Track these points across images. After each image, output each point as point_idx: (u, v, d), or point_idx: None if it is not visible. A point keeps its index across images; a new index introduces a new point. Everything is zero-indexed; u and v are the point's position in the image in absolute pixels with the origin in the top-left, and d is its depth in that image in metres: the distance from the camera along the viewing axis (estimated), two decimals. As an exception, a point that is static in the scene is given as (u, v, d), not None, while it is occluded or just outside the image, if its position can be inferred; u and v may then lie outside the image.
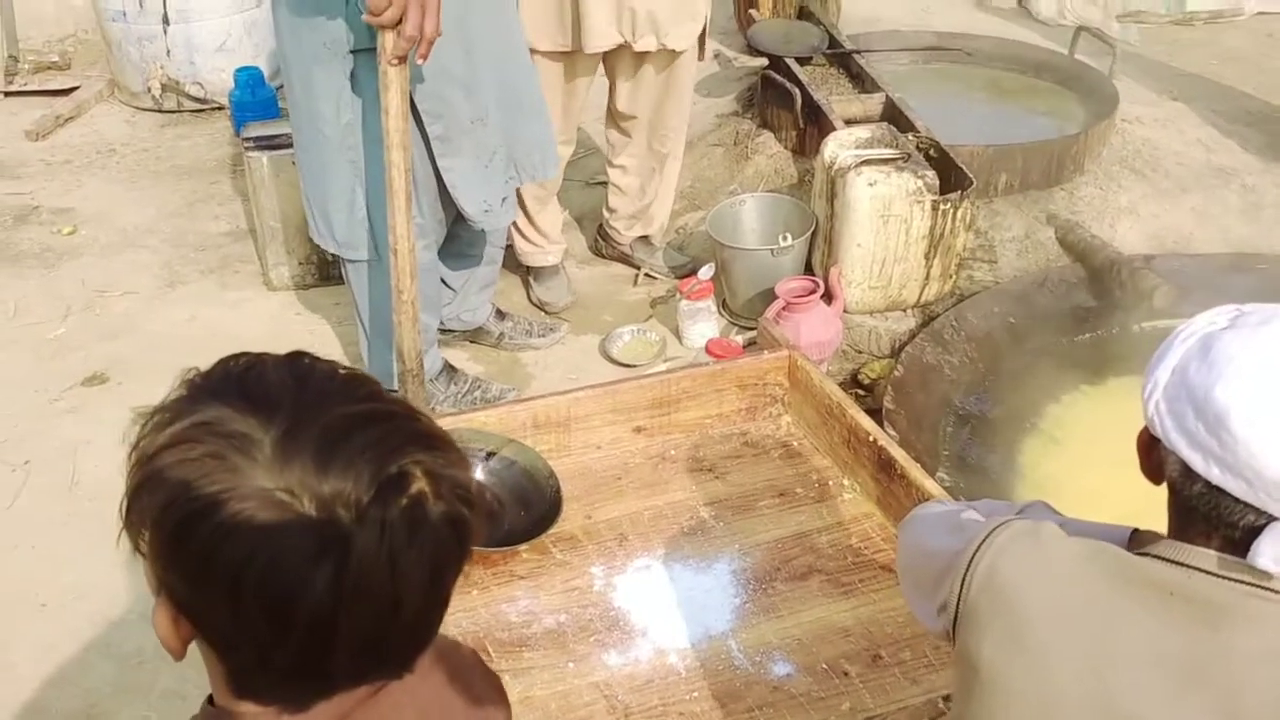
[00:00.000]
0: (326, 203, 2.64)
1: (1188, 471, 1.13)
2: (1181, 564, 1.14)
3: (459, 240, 2.93)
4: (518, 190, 3.15)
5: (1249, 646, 1.11)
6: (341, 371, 0.87)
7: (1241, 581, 1.12)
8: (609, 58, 3.13)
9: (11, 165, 4.32)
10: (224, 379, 0.85)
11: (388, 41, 2.21)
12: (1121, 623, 1.16)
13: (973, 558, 1.24)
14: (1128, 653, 1.15)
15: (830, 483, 2.64)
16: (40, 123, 4.58)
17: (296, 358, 0.88)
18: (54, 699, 2.26)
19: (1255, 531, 1.10)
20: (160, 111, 4.75)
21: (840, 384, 3.05)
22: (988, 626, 1.21)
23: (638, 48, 3.03)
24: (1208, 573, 1.13)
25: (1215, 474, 1.10)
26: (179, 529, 0.78)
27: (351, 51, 2.42)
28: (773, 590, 2.35)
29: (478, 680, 1.04)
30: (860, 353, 3.17)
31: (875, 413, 2.81)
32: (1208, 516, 1.13)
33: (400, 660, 0.88)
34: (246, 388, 0.84)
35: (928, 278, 3.14)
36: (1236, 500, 1.10)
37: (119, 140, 4.56)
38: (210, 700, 0.89)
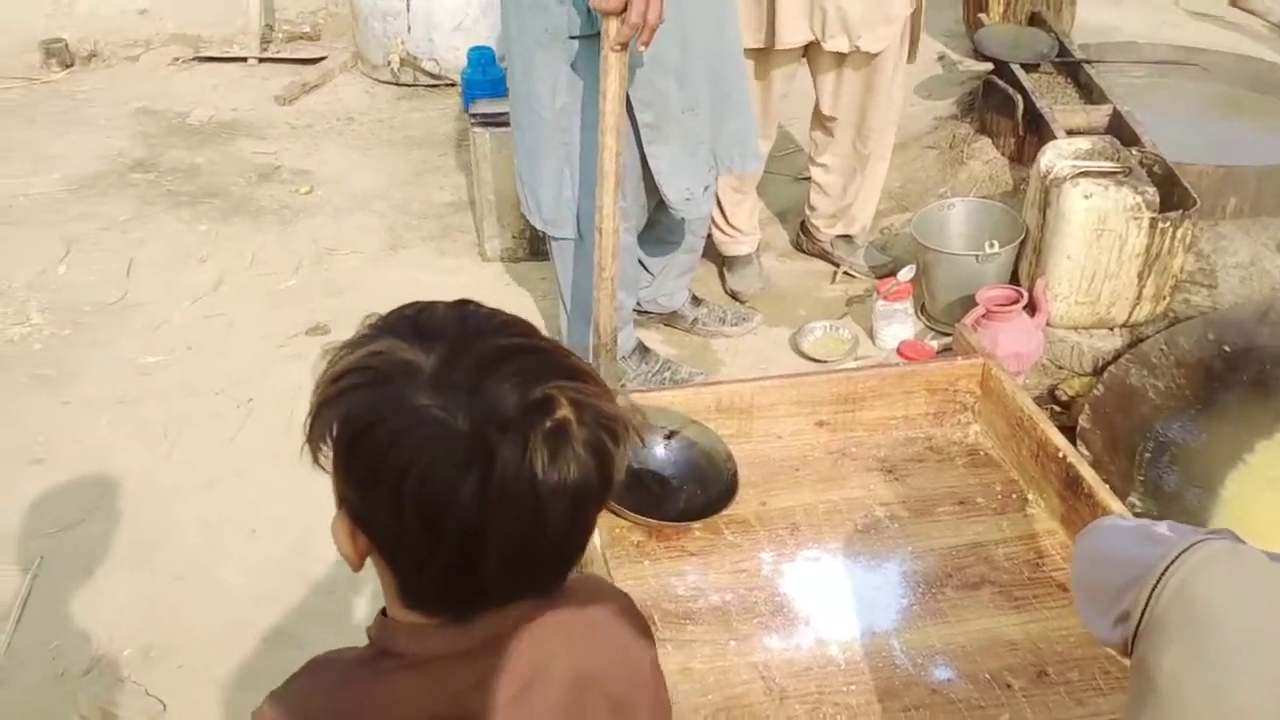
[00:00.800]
0: (537, 182, 2.75)
1: None
2: None
3: (660, 226, 3.00)
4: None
5: None
6: (502, 315, 0.96)
7: None
8: (810, 58, 3.14)
9: (260, 126, 4.66)
10: (398, 319, 0.95)
11: (611, 28, 2.29)
12: None
13: (1167, 569, 1.23)
14: None
15: (1014, 496, 2.59)
16: (288, 89, 4.92)
17: (463, 303, 0.97)
18: (257, 616, 2.46)
19: None
20: (397, 84, 5.03)
21: (1036, 398, 2.98)
22: (1173, 639, 1.20)
23: (828, 47, 3.03)
24: None
25: None
26: (352, 441, 0.89)
27: (571, 37, 2.52)
28: (942, 596, 2.33)
29: (627, 622, 1.10)
30: (1061, 369, 3.09)
31: (1069, 430, 2.74)
32: None
33: (546, 578, 0.96)
34: (416, 324, 0.93)
35: (1139, 297, 3.03)
36: None
37: (358, 109, 4.85)
38: (384, 612, 0.99)
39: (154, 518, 2.67)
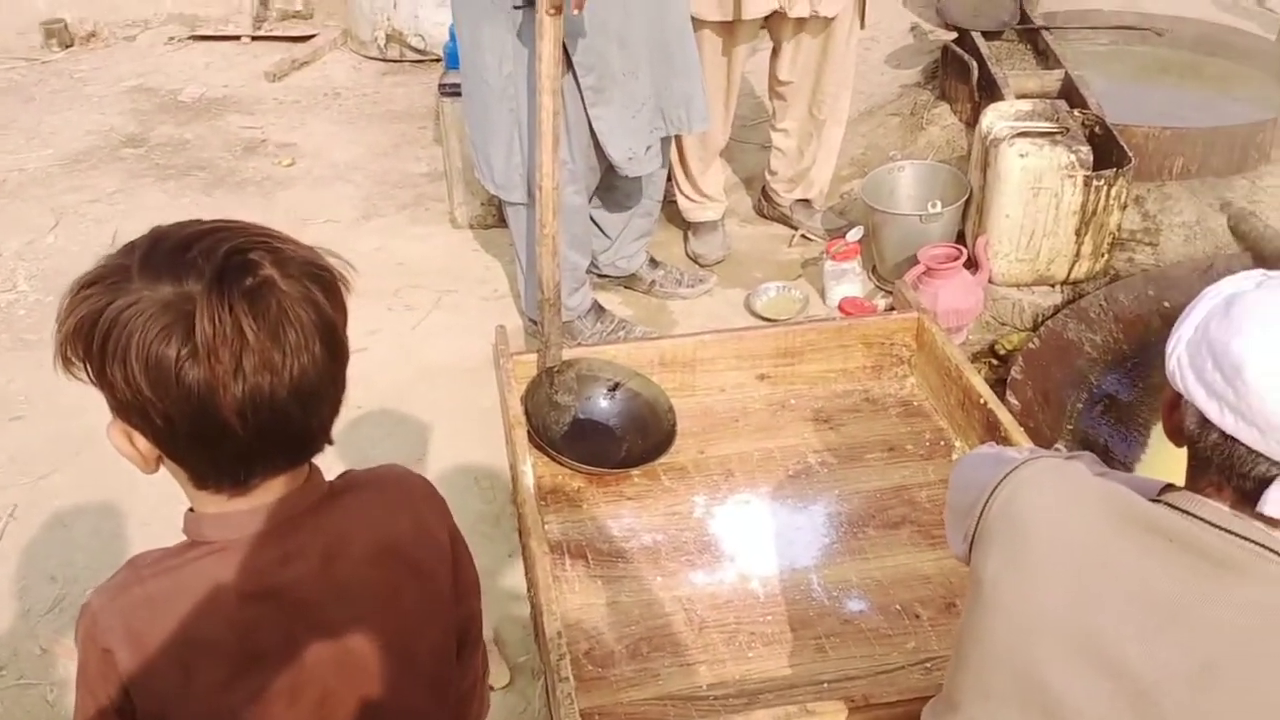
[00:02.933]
0: (489, 148, 2.87)
1: (1204, 422, 1.19)
2: (1190, 514, 1.20)
3: (616, 190, 3.11)
4: (681, 149, 3.31)
5: (1236, 596, 1.17)
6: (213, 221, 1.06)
7: (1246, 539, 1.18)
8: (770, 26, 3.24)
9: (249, 102, 4.79)
10: (121, 249, 1.04)
11: (544, -6, 2.40)
12: (1115, 559, 1.23)
13: (999, 484, 1.32)
14: (1114, 588, 1.22)
15: (941, 443, 2.70)
16: (278, 65, 5.05)
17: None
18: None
19: (1266, 482, 1.15)
20: (384, 60, 5.15)
21: (977, 353, 3.08)
22: (995, 546, 1.30)
23: (792, 14, 3.12)
24: (1214, 525, 1.18)
25: (1230, 423, 1.16)
26: (86, 342, 1.00)
27: (516, 7, 2.62)
28: (863, 535, 2.44)
29: (423, 499, 1.22)
30: (1003, 325, 3.18)
31: (1004, 383, 2.84)
32: (1221, 467, 1.19)
33: (302, 431, 1.05)
34: (131, 244, 1.04)
35: (1078, 255, 3.12)
36: (1249, 450, 1.16)
37: (344, 84, 4.97)
38: (191, 509, 1.10)
39: (121, 470, 2.79)
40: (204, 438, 1.00)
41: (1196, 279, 3.21)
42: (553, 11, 2.40)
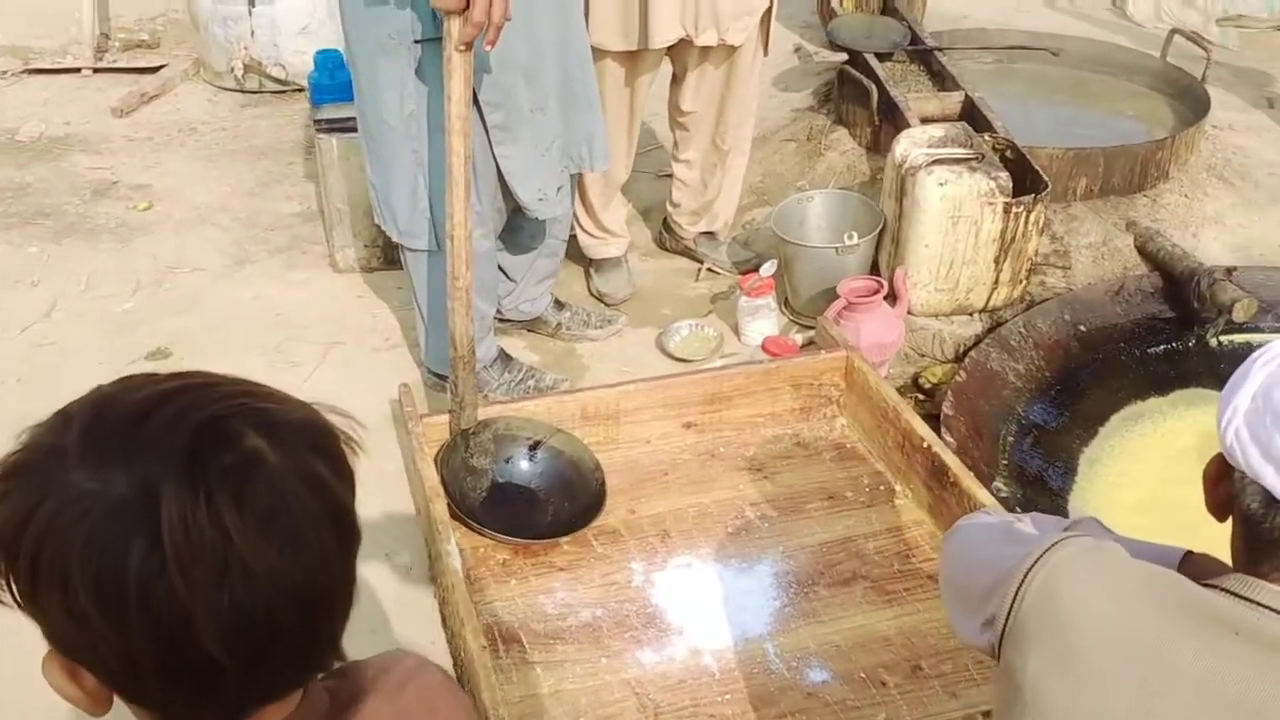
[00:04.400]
0: (390, 192, 2.64)
1: (1271, 502, 1.08)
2: (1251, 600, 1.09)
3: (520, 231, 2.91)
4: (582, 184, 3.13)
5: None
6: (160, 374, 0.83)
7: None
8: (672, 54, 3.10)
9: (95, 140, 4.42)
10: (51, 420, 0.82)
11: (454, 28, 2.20)
12: (1178, 656, 1.10)
13: (1029, 571, 1.19)
14: (1180, 688, 1.09)
15: (882, 488, 2.59)
16: (126, 99, 4.68)
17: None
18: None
19: None
20: (242, 91, 4.83)
21: (900, 388, 2.98)
22: (1036, 644, 1.16)
23: (699, 42, 2.98)
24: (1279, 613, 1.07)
25: None
26: (10, 558, 0.77)
27: (416, 41, 2.41)
28: (814, 595, 2.31)
29: (444, 703, 0.99)
30: (923, 356, 3.09)
31: (934, 418, 2.74)
32: None
33: (303, 652, 0.82)
34: (58, 414, 0.81)
35: (997, 282, 3.05)
36: None
37: (200, 119, 4.64)
38: None
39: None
40: (177, 675, 0.76)
41: (1109, 300, 3.19)
42: (463, 48, 2.20)
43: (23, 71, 5.06)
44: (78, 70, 5.04)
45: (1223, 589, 1.12)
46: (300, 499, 0.77)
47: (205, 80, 4.97)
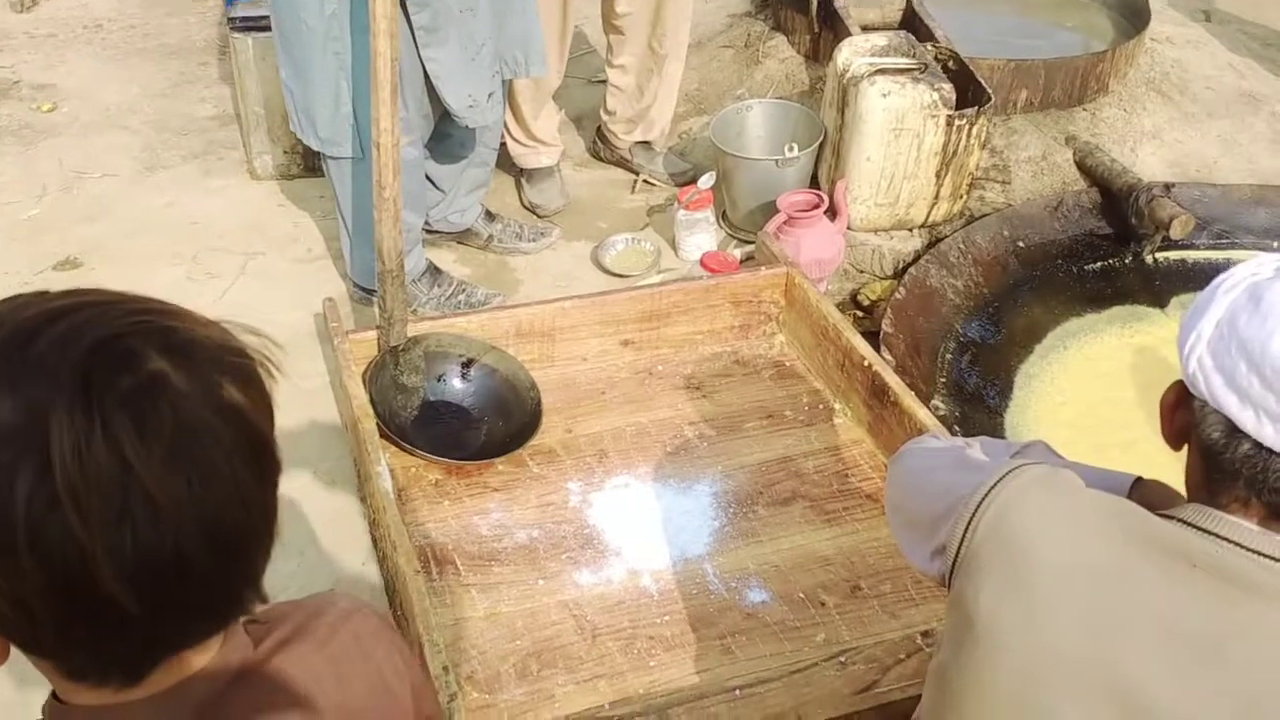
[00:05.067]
0: (309, 98, 2.50)
1: (1233, 431, 1.05)
2: (1212, 534, 1.06)
3: (449, 139, 2.79)
4: (512, 91, 3.01)
5: (1274, 625, 1.03)
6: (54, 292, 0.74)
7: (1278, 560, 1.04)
8: None
9: (-6, 36, 4.17)
10: None
11: (375, -81, 2.06)
12: (1136, 588, 1.07)
13: (981, 501, 1.16)
14: (1138, 621, 1.06)
15: (821, 406, 2.56)
16: (26, -7, 4.40)
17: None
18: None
19: None
20: (151, -14, 4.57)
21: (839, 304, 2.94)
22: (989, 574, 1.13)
23: None
24: (1242, 546, 1.04)
25: (1269, 433, 1.02)
26: None
27: (338, -68, 2.27)
28: (754, 515, 2.28)
29: (384, 646, 0.93)
30: (862, 272, 3.05)
31: (873, 335, 2.71)
32: (1251, 481, 1.05)
33: (221, 589, 0.74)
34: None
35: (937, 197, 3.00)
36: None
37: (106, 15, 4.38)
38: (55, 695, 0.78)
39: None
40: (77, 622, 0.69)
41: (1048, 216, 3.17)
42: (385, -60, 2.06)
43: (-88, -40, 4.74)
44: (-28, -40, 4.72)
45: (1181, 520, 1.10)
46: (210, 425, 0.69)
47: (111, -27, 4.69)
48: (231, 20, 3.27)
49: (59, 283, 2.55)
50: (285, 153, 3.34)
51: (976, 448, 1.47)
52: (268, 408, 0.75)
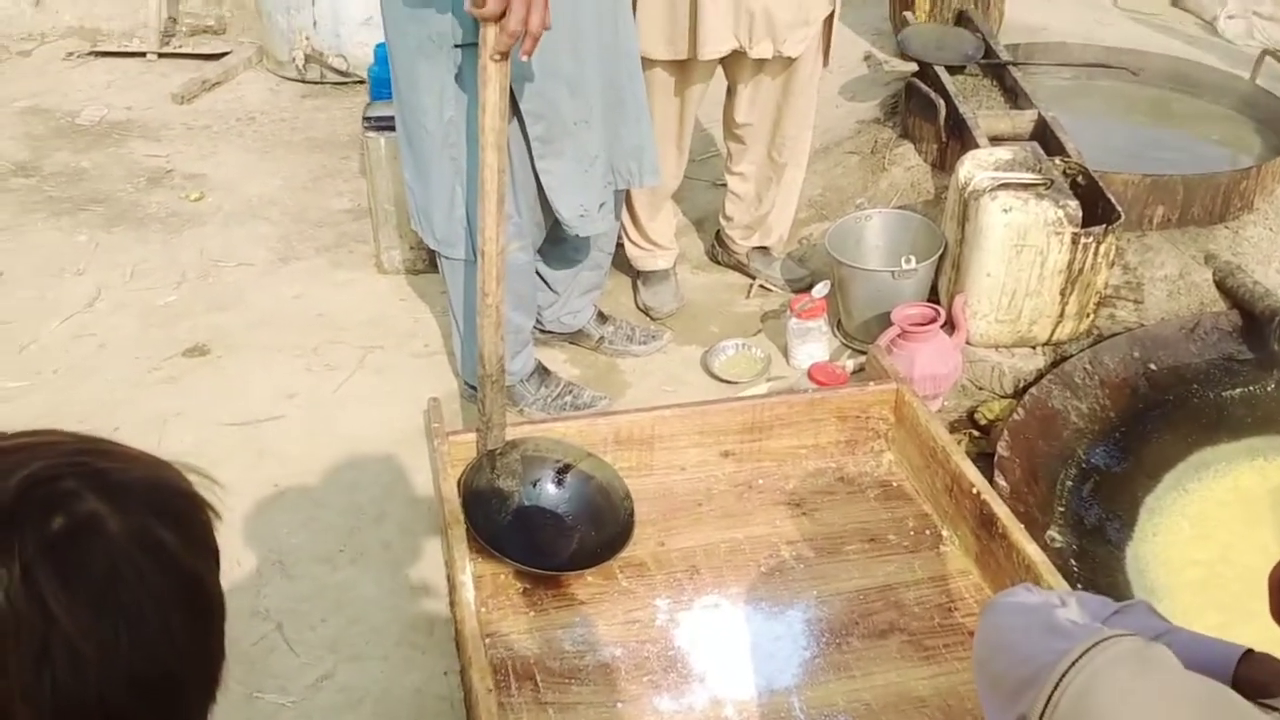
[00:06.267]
0: (428, 199, 2.56)
1: None
2: None
3: (564, 243, 2.82)
4: (629, 194, 3.03)
5: None
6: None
7: None
8: (726, 65, 2.98)
9: (154, 127, 4.41)
10: None
11: (489, 35, 2.11)
12: None
13: (1065, 674, 1.09)
14: None
15: (928, 532, 2.46)
16: (187, 86, 4.67)
17: None
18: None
19: None
20: (303, 82, 4.80)
21: (955, 422, 2.84)
22: None
23: (754, 54, 2.86)
24: None
25: None
26: None
27: (457, 46, 2.32)
28: (847, 646, 2.19)
29: None
30: (981, 389, 2.94)
31: (988, 457, 2.60)
32: None
33: None
34: None
35: (1062, 315, 2.89)
36: None
37: (259, 108, 4.61)
38: None
39: None
40: None
41: (1183, 338, 3.02)
42: (498, 57, 2.10)
43: (89, 53, 5.09)
44: (143, 55, 5.04)
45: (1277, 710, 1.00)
46: (140, 570, 0.68)
47: (268, 69, 4.95)
48: (367, 120, 3.39)
49: (187, 369, 2.65)
50: (411, 248, 3.43)
51: (1073, 605, 1.38)
52: (206, 548, 0.74)
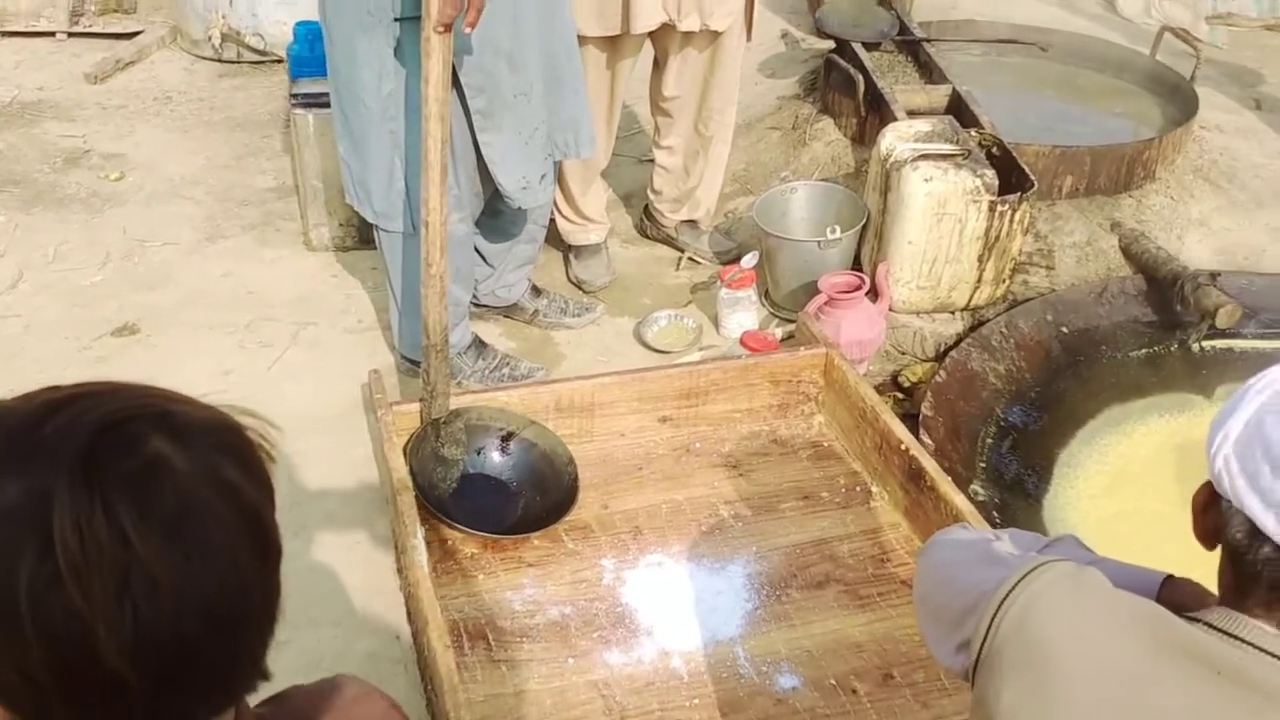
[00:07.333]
0: (366, 172, 2.58)
1: (1255, 533, 1.05)
2: (1237, 638, 1.06)
3: (500, 216, 2.86)
4: (561, 169, 3.08)
5: None
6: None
7: None
8: (655, 39, 3.05)
9: (67, 107, 4.33)
10: None
11: (433, 7, 2.14)
12: (1158, 695, 1.07)
13: (1005, 597, 1.16)
14: None
15: (858, 489, 2.56)
16: (100, 65, 4.58)
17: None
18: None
19: None
20: (220, 61, 4.74)
21: (879, 386, 2.95)
22: (1011, 675, 1.13)
23: (682, 27, 2.93)
24: (1265, 652, 1.04)
25: None
26: None
27: (396, 19, 2.35)
28: (786, 598, 2.28)
29: None
30: (903, 354, 3.05)
31: (912, 418, 2.71)
32: (1273, 584, 1.05)
33: (225, 672, 0.76)
34: None
35: (979, 281, 3.01)
36: None
37: (176, 88, 4.55)
38: None
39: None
40: (79, 696, 0.71)
41: (1092, 302, 3.16)
42: (441, 29, 2.14)
43: (-5, 34, 4.96)
44: (51, 34, 4.93)
45: (1206, 624, 1.09)
46: (209, 505, 0.72)
47: (182, 48, 4.88)
48: (294, 96, 3.38)
49: (118, 348, 2.64)
50: (340, 225, 3.43)
51: (1006, 540, 1.47)
52: (266, 487, 0.78)
